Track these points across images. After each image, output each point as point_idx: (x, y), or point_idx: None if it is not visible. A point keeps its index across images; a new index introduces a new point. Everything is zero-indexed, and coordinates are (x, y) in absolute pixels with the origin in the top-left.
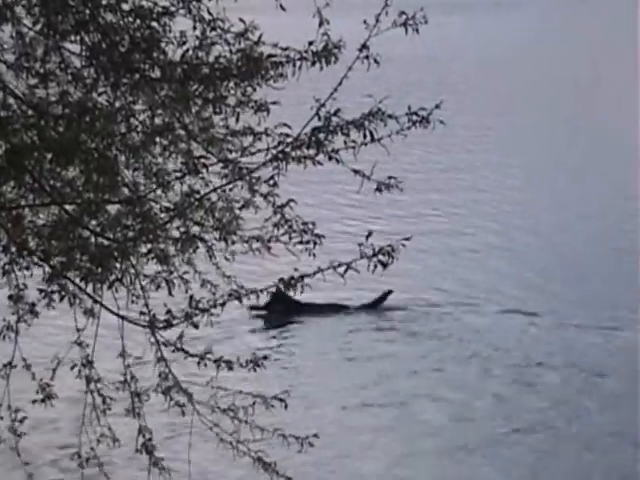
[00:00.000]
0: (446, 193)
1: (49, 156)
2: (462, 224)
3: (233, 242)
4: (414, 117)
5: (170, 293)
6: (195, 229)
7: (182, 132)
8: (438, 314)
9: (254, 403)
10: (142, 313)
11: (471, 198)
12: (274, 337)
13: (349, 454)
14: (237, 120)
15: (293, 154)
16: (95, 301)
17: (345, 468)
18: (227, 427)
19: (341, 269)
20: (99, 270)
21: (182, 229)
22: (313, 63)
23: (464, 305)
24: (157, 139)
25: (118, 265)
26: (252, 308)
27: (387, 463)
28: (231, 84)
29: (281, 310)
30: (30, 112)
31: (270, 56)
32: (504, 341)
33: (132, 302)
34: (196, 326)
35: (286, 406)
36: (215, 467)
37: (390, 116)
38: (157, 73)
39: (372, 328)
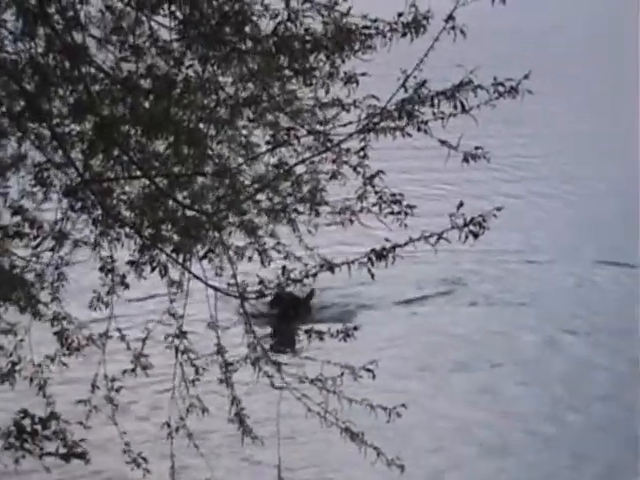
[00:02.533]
0: (531, 163)
1: (138, 129)
2: (551, 189)
3: (318, 214)
4: (501, 88)
5: (263, 264)
6: (280, 200)
7: (269, 104)
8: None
9: (342, 374)
10: (229, 285)
11: (558, 166)
12: None
13: (437, 424)
14: (327, 92)
15: (383, 125)
16: (189, 272)
17: (433, 438)
18: (315, 397)
19: (432, 239)
20: (191, 242)
21: (271, 201)
22: (403, 34)
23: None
24: (245, 111)
25: (209, 237)
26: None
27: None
28: (321, 56)
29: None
30: (119, 86)
31: (365, 27)
32: None
33: (217, 275)
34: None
35: (374, 376)
36: (303, 437)
37: (480, 87)
38: (248, 45)
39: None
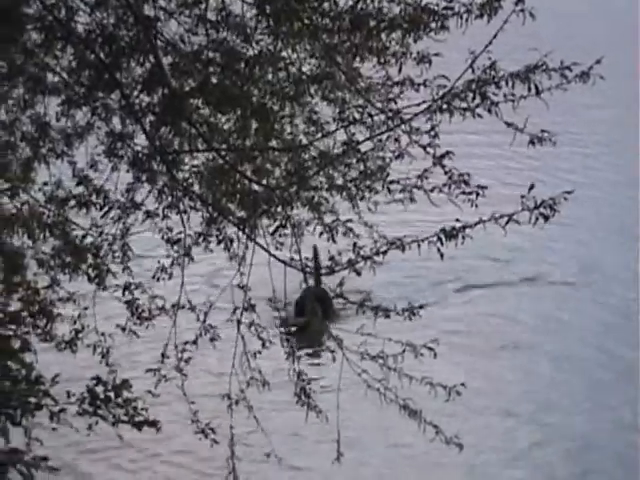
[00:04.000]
0: (604, 146)
1: (207, 103)
2: (621, 175)
3: (390, 190)
4: (573, 72)
5: (333, 240)
6: (344, 176)
7: (339, 81)
8: None
9: (404, 351)
10: (292, 259)
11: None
12: None
13: (496, 404)
14: (400, 71)
15: (456, 105)
16: (257, 244)
17: (491, 419)
18: (376, 374)
19: (502, 220)
20: (257, 216)
21: (334, 178)
22: (479, 15)
23: None
24: (315, 87)
25: (277, 212)
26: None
27: (536, 410)
28: (396, 35)
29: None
30: (189, 59)
31: (446, 8)
32: None
33: (276, 249)
34: (359, 273)
35: (435, 355)
36: (363, 413)
37: (555, 70)
38: (324, 22)
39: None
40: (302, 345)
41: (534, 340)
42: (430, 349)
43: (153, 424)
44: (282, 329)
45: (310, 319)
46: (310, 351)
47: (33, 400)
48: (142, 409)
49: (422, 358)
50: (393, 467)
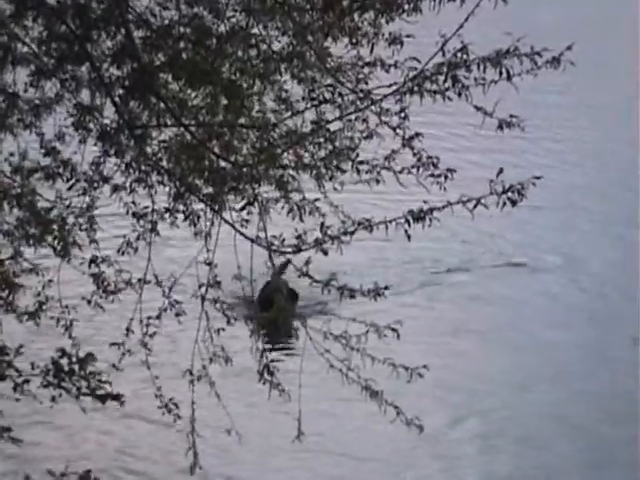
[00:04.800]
0: (571, 130)
1: (177, 77)
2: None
3: (358, 171)
4: (544, 57)
5: (301, 218)
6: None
7: (310, 60)
8: None
9: (367, 332)
10: (257, 237)
11: (595, 137)
12: None
13: (460, 387)
14: (371, 51)
15: (427, 87)
16: (225, 221)
17: (454, 401)
18: (338, 354)
19: (470, 204)
20: (225, 192)
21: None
22: None
23: None
24: (285, 65)
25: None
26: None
27: (504, 394)
28: (368, 15)
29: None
30: (158, 34)
31: None
32: None
33: (242, 226)
34: (325, 253)
35: (398, 336)
36: (325, 393)
37: (526, 55)
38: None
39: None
40: (273, 341)
41: (500, 323)
42: (393, 330)
43: (116, 397)
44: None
45: (278, 312)
46: (280, 346)
47: None
48: (106, 382)
49: (385, 339)
50: (352, 447)
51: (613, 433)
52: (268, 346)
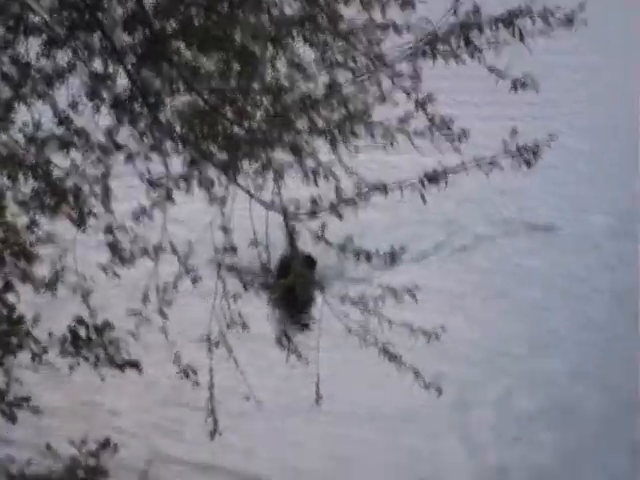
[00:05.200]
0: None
1: (189, 44)
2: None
3: (372, 134)
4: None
5: (316, 183)
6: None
7: (322, 24)
8: None
9: (384, 295)
10: (272, 202)
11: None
12: None
13: (478, 348)
14: (383, 14)
15: (439, 49)
16: (239, 186)
17: (471, 361)
18: (356, 318)
19: (485, 165)
20: (239, 158)
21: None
22: None
23: None
24: (297, 29)
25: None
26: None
27: (525, 353)
28: None
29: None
30: (169, 0)
31: None
32: None
33: (257, 192)
34: (340, 216)
35: (416, 300)
36: (342, 357)
37: (539, 15)
38: None
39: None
40: (290, 307)
41: (508, 288)
42: (412, 294)
43: (135, 365)
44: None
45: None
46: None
47: (14, 340)
48: (124, 350)
49: (403, 304)
50: (371, 412)
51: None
52: (286, 312)
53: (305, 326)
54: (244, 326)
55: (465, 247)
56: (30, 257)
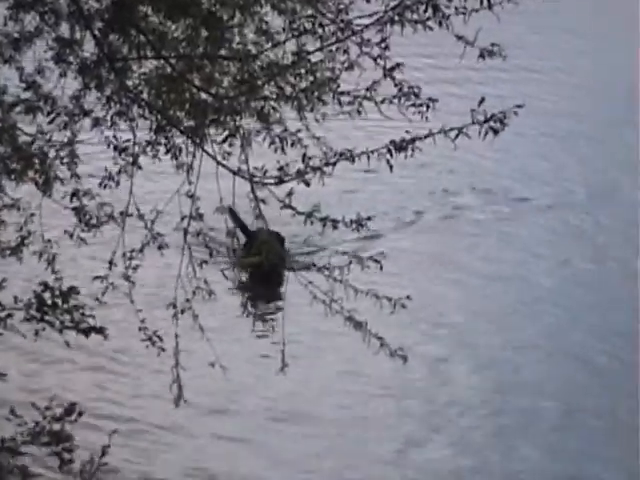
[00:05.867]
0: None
1: (156, 10)
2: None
3: (340, 102)
4: None
5: (283, 150)
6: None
7: None
8: None
9: (350, 263)
10: (239, 169)
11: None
12: None
13: (444, 319)
14: None
15: (407, 17)
16: (206, 153)
17: (438, 332)
18: (321, 285)
19: (452, 134)
20: (206, 124)
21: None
22: None
23: None
24: None
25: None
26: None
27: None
28: None
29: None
30: None
31: None
32: None
33: (224, 158)
34: (307, 184)
35: (381, 267)
36: (308, 323)
37: None
38: None
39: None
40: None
41: (486, 255)
42: (376, 261)
43: (100, 331)
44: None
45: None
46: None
47: None
48: (89, 316)
49: (369, 272)
50: (336, 380)
51: (610, 362)
52: (252, 281)
53: (271, 292)
54: (210, 293)
55: (447, 216)
56: None
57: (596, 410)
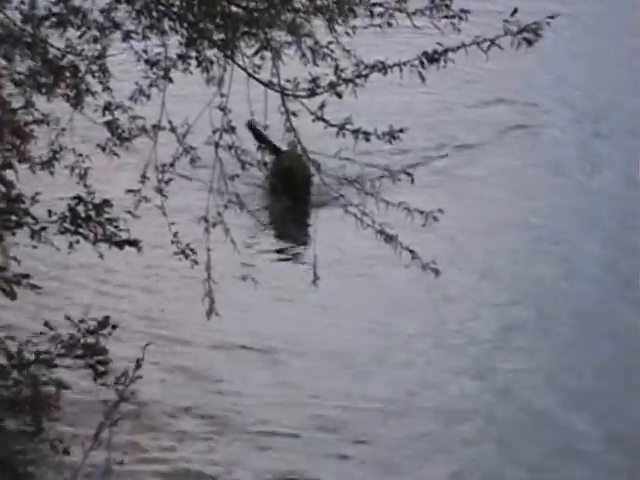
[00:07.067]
0: None
1: None
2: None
3: (372, 13)
4: None
5: (315, 63)
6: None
7: None
8: None
9: (381, 176)
10: (270, 82)
11: None
12: None
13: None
14: None
15: None
16: (239, 67)
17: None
18: (353, 198)
19: (485, 45)
20: (237, 37)
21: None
22: None
23: None
24: None
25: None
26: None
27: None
28: None
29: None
30: None
31: None
32: None
33: (255, 72)
34: (339, 96)
35: (412, 180)
36: (340, 240)
37: None
38: None
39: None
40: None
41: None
42: (408, 174)
43: (134, 243)
44: None
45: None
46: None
47: (13, 218)
48: (122, 229)
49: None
50: (367, 292)
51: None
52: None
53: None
54: (242, 206)
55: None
56: (25, 136)
57: None
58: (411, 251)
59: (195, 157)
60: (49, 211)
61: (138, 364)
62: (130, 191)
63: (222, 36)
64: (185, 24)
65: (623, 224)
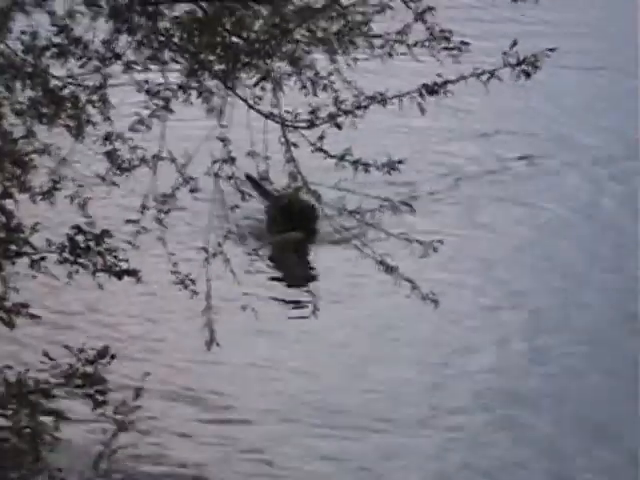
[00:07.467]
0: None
1: None
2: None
3: (372, 45)
4: None
5: (315, 94)
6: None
7: None
8: None
9: (381, 206)
10: (271, 113)
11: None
12: None
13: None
14: None
15: None
16: (239, 98)
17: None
18: (353, 229)
19: (484, 77)
20: (238, 68)
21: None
22: None
23: None
24: None
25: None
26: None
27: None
28: None
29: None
30: None
31: None
32: None
33: (255, 103)
34: (339, 127)
35: (413, 211)
36: (339, 267)
37: None
38: None
39: None
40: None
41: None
42: (408, 205)
43: (133, 273)
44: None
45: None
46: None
47: (13, 248)
48: (122, 259)
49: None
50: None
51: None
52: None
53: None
54: (242, 237)
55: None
56: (26, 166)
57: None
58: (411, 281)
59: (195, 187)
60: (48, 240)
61: (137, 393)
62: (129, 221)
63: (222, 67)
64: (186, 55)
65: (624, 254)
